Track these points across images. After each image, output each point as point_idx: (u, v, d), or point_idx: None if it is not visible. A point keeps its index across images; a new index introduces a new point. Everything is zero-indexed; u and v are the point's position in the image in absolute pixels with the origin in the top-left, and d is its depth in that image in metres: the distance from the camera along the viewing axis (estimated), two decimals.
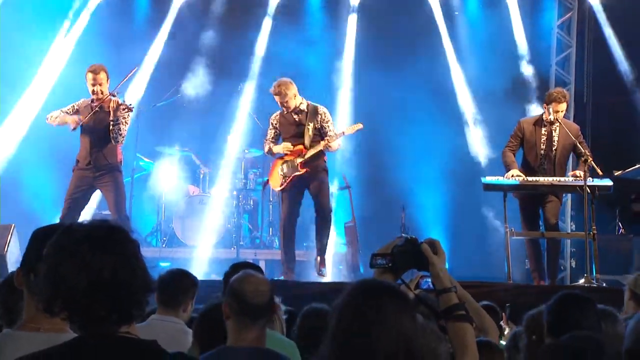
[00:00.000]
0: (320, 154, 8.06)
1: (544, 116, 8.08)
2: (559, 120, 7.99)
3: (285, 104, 8.00)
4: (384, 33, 11.92)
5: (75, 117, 7.83)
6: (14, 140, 10.95)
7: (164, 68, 11.75)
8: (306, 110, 8.04)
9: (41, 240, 2.36)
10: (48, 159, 10.20)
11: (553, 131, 8.04)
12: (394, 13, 11.89)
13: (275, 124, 8.17)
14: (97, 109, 7.82)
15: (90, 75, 7.81)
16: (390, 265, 2.61)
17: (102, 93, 7.80)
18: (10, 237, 8.09)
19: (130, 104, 7.94)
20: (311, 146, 7.96)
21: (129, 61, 11.15)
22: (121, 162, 8.03)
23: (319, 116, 8.03)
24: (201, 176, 10.74)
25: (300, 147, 7.99)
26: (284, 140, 8.14)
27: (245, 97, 11.62)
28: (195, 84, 11.64)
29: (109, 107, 7.77)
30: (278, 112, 8.20)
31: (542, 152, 8.06)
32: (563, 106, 8.02)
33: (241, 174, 10.48)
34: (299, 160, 7.97)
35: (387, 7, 11.96)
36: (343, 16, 12.13)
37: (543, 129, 8.07)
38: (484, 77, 11.67)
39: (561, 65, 11.67)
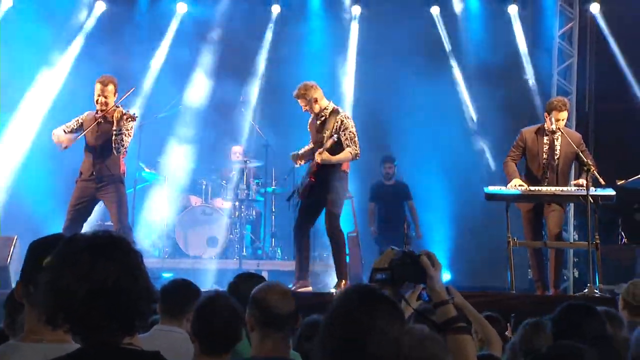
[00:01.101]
0: (337, 166, 7.66)
1: (545, 125, 8.07)
2: (561, 129, 7.98)
3: (307, 107, 7.75)
4: (385, 43, 11.94)
5: (69, 136, 7.81)
6: (18, 152, 10.98)
7: (166, 78, 11.78)
8: (327, 116, 7.71)
9: (38, 252, 2.37)
10: (51, 171, 10.22)
11: (555, 140, 8.03)
12: (394, 22, 11.92)
13: (309, 128, 7.96)
14: (100, 120, 7.84)
15: (98, 86, 7.83)
16: (389, 279, 2.60)
17: (106, 105, 7.82)
18: (13, 249, 8.10)
19: (134, 114, 7.95)
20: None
21: (131, 72, 11.21)
22: (124, 173, 8.04)
23: (335, 123, 7.62)
24: (203, 187, 10.74)
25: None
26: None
27: (248, 107, 11.65)
28: (197, 94, 11.68)
29: (112, 117, 7.78)
30: (311, 117, 7.97)
31: (545, 161, 8.05)
32: (564, 114, 8.01)
33: (243, 184, 10.48)
34: (309, 170, 7.73)
35: (388, 16, 12.00)
36: (345, 23, 12.17)
37: (545, 138, 8.06)
38: (486, 86, 11.70)
39: (563, 75, 11.68)
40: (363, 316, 2.07)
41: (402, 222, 10.30)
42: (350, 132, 7.62)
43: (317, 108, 7.70)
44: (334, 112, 7.72)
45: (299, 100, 7.77)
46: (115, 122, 7.73)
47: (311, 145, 7.89)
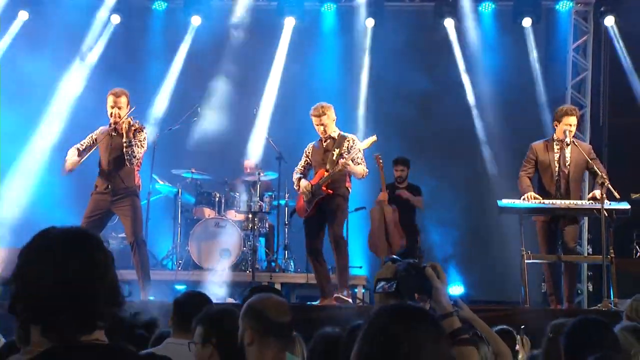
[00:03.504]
0: (343, 181, 7.94)
1: (554, 135, 8.11)
2: (574, 141, 8.01)
3: (322, 125, 7.93)
4: (399, 57, 11.94)
5: (75, 160, 7.86)
6: (32, 165, 11.05)
7: (180, 91, 11.84)
8: (335, 137, 8.02)
9: None
10: (66, 184, 10.26)
11: (565, 149, 8.06)
12: (409, 35, 11.93)
13: (308, 153, 8.21)
14: (113, 133, 7.89)
15: (111, 98, 7.89)
16: (394, 289, 2.59)
17: (119, 117, 7.86)
18: None
19: (143, 125, 8.02)
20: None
21: (145, 85, 11.28)
22: (139, 186, 8.08)
23: (346, 143, 7.97)
24: (216, 199, 10.76)
25: (322, 171, 7.95)
26: (314, 170, 8.14)
27: (261, 120, 11.67)
28: (211, 106, 11.71)
29: (122, 129, 7.83)
30: (312, 143, 8.23)
31: (557, 170, 8.06)
32: (574, 120, 8.05)
33: (257, 197, 10.49)
34: (321, 183, 7.90)
35: (402, 30, 12.00)
36: (358, 35, 12.19)
37: (555, 148, 8.09)
38: (499, 99, 11.67)
39: (577, 89, 11.65)
40: (403, 337, 1.97)
41: (412, 230, 10.15)
42: (360, 150, 7.95)
43: (331, 129, 7.99)
44: (343, 135, 8.06)
45: (318, 118, 7.96)
46: (124, 133, 7.79)
47: (301, 165, 8.22)
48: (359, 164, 7.87)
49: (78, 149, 7.99)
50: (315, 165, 8.11)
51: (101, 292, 1.98)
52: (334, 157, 7.89)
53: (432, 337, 2.00)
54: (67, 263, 1.95)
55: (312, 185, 7.96)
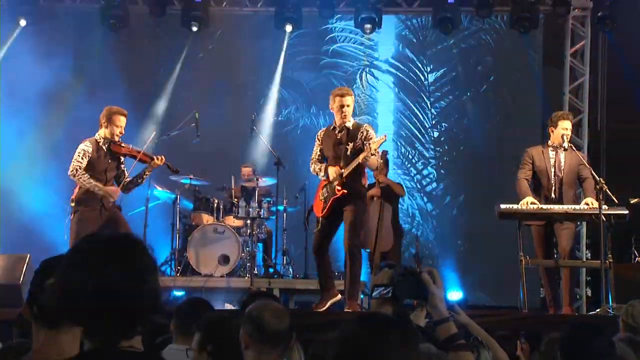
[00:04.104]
0: (359, 177, 7.51)
1: (550, 141, 8.15)
2: (571, 145, 8.06)
3: (348, 106, 7.49)
4: (394, 59, 11.97)
5: (115, 192, 7.86)
6: (33, 170, 11.06)
7: (178, 97, 11.85)
8: (350, 127, 7.55)
9: (46, 272, 2.39)
10: (67, 190, 10.25)
11: (560, 153, 8.09)
12: (403, 37, 11.96)
13: (321, 139, 7.75)
14: (111, 153, 7.88)
15: (118, 117, 7.81)
16: (390, 295, 2.60)
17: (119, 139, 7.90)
18: (26, 268, 8.10)
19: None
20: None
21: (144, 90, 11.27)
22: None
23: (360, 134, 7.49)
24: (215, 205, 10.75)
25: (336, 167, 7.49)
26: (327, 161, 7.72)
27: (259, 126, 11.69)
28: (210, 113, 11.72)
29: (117, 152, 7.87)
30: (323, 129, 7.86)
31: (553, 174, 8.08)
32: (569, 124, 8.12)
33: (255, 202, 10.49)
34: (337, 182, 7.45)
35: (398, 32, 12.04)
36: (358, 43, 12.22)
37: (551, 153, 8.12)
38: (498, 104, 11.69)
39: (574, 94, 11.67)
40: (372, 346, 2.01)
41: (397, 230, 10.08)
42: (374, 140, 7.42)
43: (350, 115, 7.58)
44: (357, 125, 7.62)
45: (344, 98, 7.50)
46: (150, 164, 8.04)
47: (316, 152, 7.77)
48: (373, 154, 7.36)
49: (84, 169, 7.80)
50: (328, 156, 7.68)
51: (144, 298, 1.98)
52: (348, 153, 7.48)
53: (400, 347, 2.02)
54: (111, 268, 1.95)
55: (341, 172, 7.45)
